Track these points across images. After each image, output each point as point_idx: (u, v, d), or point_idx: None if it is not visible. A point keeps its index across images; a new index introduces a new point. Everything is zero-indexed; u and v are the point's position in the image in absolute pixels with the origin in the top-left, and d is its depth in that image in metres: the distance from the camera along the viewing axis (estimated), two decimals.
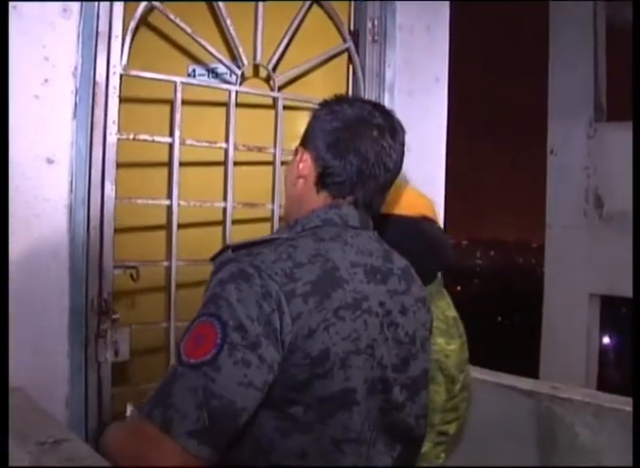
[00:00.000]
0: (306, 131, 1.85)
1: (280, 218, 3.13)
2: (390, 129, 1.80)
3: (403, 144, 1.84)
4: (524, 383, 3.07)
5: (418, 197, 2.47)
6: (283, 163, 3.08)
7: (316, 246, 1.67)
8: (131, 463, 1.47)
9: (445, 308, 2.43)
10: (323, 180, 1.77)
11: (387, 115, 1.83)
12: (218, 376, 1.46)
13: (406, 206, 2.37)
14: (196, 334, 1.53)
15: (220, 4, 3.02)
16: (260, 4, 3.15)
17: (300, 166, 1.80)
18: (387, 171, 1.78)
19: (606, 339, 7.76)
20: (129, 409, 2.04)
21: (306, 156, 1.79)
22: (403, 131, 1.86)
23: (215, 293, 1.56)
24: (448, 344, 2.33)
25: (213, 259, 1.71)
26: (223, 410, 1.46)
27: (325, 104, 1.84)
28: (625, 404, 2.69)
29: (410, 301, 1.81)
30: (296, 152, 1.84)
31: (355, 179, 1.75)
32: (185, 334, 1.55)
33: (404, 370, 1.76)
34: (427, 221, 2.39)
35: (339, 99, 1.83)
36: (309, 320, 1.56)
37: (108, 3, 2.67)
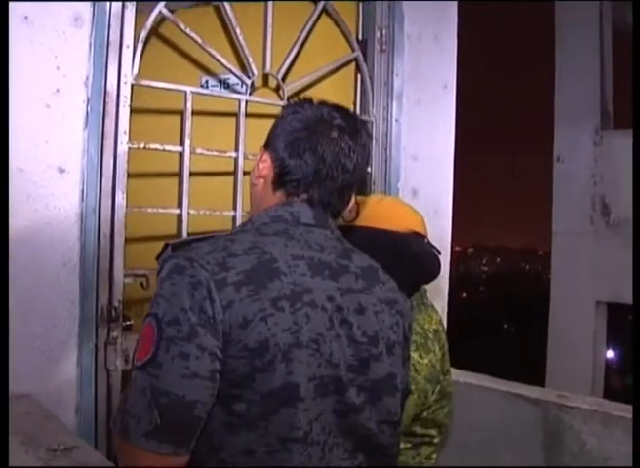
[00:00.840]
0: (270, 132, 1.84)
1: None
2: (351, 130, 1.78)
3: (365, 146, 1.82)
4: (531, 391, 3.07)
5: (407, 211, 2.48)
6: None
7: (254, 239, 1.66)
8: None
9: (424, 322, 2.42)
10: (280, 179, 1.76)
11: (349, 117, 1.81)
12: (160, 373, 1.46)
13: (393, 220, 2.39)
14: (140, 337, 1.53)
15: (230, 13, 3.04)
16: (270, 13, 3.16)
17: (260, 166, 1.79)
18: (346, 171, 1.76)
19: (612, 347, 7.73)
20: None
21: (266, 156, 1.78)
22: (367, 133, 1.85)
23: (155, 293, 1.56)
24: (421, 358, 2.32)
25: (157, 258, 1.71)
26: (174, 406, 1.46)
27: (289, 106, 1.85)
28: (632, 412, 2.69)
29: (370, 301, 1.76)
30: (259, 153, 1.83)
31: (311, 179, 1.73)
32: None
33: (362, 372, 1.70)
34: (415, 236, 2.40)
35: (303, 101, 1.83)
36: (243, 309, 1.53)
37: (120, 13, 2.69)
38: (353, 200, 1.90)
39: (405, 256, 2.34)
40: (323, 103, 1.82)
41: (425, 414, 2.36)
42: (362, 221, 2.32)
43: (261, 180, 1.80)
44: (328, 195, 1.76)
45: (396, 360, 1.79)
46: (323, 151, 1.72)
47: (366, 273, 1.79)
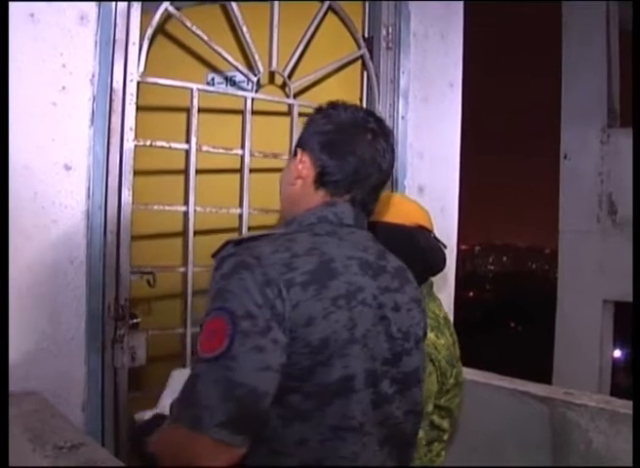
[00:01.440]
0: (303, 134, 1.91)
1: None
2: (383, 133, 1.88)
3: (393, 148, 1.92)
4: (538, 389, 3.07)
5: (414, 207, 2.56)
6: None
7: (312, 239, 1.73)
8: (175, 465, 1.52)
9: (435, 309, 2.51)
10: (321, 179, 1.83)
11: (379, 121, 1.92)
12: (236, 365, 1.50)
13: (403, 215, 2.47)
14: (208, 330, 1.56)
15: (237, 11, 3.03)
16: (276, 11, 3.16)
17: (300, 166, 1.85)
18: (381, 171, 1.86)
19: (619, 345, 7.72)
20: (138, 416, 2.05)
21: (305, 158, 1.85)
22: (393, 136, 1.94)
23: (219, 288, 1.60)
24: (437, 338, 2.41)
25: (214, 255, 1.75)
26: (248, 397, 1.50)
27: (320, 109, 1.92)
28: None
29: (404, 299, 1.86)
30: (295, 154, 1.89)
31: (352, 178, 1.82)
32: (200, 334, 1.59)
33: (395, 365, 1.81)
34: (422, 230, 2.49)
35: (334, 104, 1.91)
36: (308, 308, 1.60)
37: (126, 11, 2.69)
38: None
39: (416, 250, 2.43)
40: (355, 107, 1.92)
41: (442, 401, 2.42)
42: (375, 217, 2.37)
43: (300, 181, 1.87)
44: (366, 194, 1.87)
45: (421, 353, 1.93)
46: (362, 153, 1.82)
47: (399, 273, 1.90)
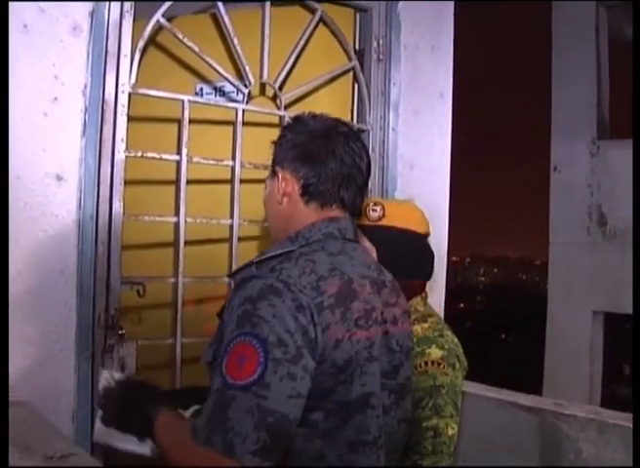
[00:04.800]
0: (276, 152, 1.90)
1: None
2: (355, 135, 1.89)
3: (365, 147, 1.92)
4: (528, 400, 3.07)
5: (422, 214, 2.57)
6: None
7: (330, 260, 1.74)
8: None
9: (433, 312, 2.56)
10: (308, 192, 1.83)
11: (348, 125, 1.95)
12: (269, 394, 1.51)
13: (415, 222, 2.50)
14: (238, 355, 1.57)
15: (227, 22, 3.04)
16: (267, 23, 3.17)
17: (283, 184, 1.85)
18: (362, 172, 1.86)
19: (609, 356, 7.73)
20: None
21: (286, 174, 1.84)
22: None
23: (246, 311, 1.60)
24: (454, 337, 2.44)
25: (232, 275, 1.75)
26: (280, 425, 1.52)
27: (289, 125, 1.94)
28: (629, 420, 2.70)
29: (399, 312, 1.90)
30: (273, 174, 1.89)
31: (338, 183, 1.82)
32: (225, 356, 1.58)
33: (394, 377, 1.83)
34: (426, 237, 2.53)
35: (301, 117, 1.91)
36: (336, 331, 1.63)
37: (118, 22, 2.70)
38: (375, 199, 2.14)
39: (424, 254, 2.50)
40: (322, 116, 1.91)
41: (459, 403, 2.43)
42: (386, 221, 2.40)
43: (286, 198, 1.86)
44: (354, 197, 1.87)
45: (410, 364, 1.95)
46: (342, 155, 1.82)
47: (394, 286, 1.94)
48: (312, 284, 1.64)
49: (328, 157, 1.80)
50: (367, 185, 1.93)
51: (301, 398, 1.56)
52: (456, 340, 2.45)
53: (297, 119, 1.91)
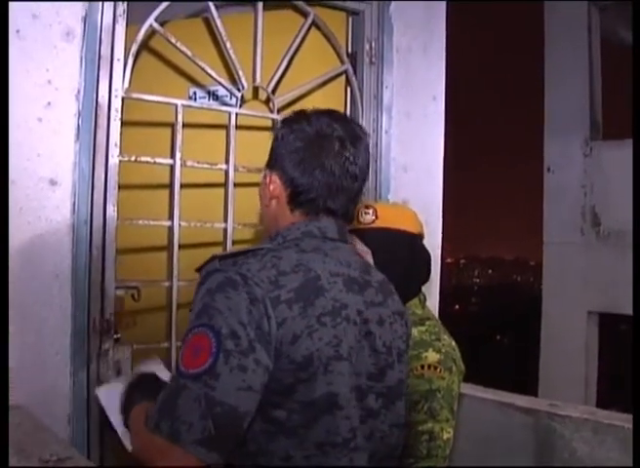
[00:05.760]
0: (272, 153, 1.88)
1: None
2: (352, 137, 1.84)
3: (367, 148, 1.89)
4: (523, 401, 3.09)
5: (415, 215, 2.58)
6: None
7: (298, 256, 1.73)
8: None
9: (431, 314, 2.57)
10: (295, 199, 1.81)
11: (347, 124, 1.87)
12: (217, 384, 1.51)
13: (409, 222, 2.51)
14: (193, 346, 1.58)
15: (220, 26, 3.05)
16: (260, 27, 3.18)
17: (271, 188, 1.84)
18: (355, 179, 1.83)
19: (604, 356, 7.74)
20: None
21: (274, 177, 1.83)
22: (365, 134, 1.91)
23: (205, 304, 1.61)
24: (451, 340, 2.44)
25: (199, 270, 1.76)
26: (227, 417, 1.52)
27: (286, 124, 1.88)
28: (623, 420, 2.71)
29: (387, 313, 1.86)
30: (264, 175, 1.88)
31: (325, 194, 1.79)
32: (182, 347, 1.61)
33: (380, 380, 1.81)
34: (416, 236, 2.52)
35: (298, 117, 1.87)
36: (294, 326, 1.61)
37: (111, 27, 2.71)
38: (368, 204, 2.10)
39: (420, 255, 2.50)
40: (320, 114, 1.86)
41: (455, 406, 2.44)
42: (379, 223, 2.41)
43: (274, 201, 1.85)
44: (344, 206, 1.84)
45: (404, 367, 1.92)
46: (330, 166, 1.78)
47: (382, 287, 1.90)
48: (271, 278, 1.63)
49: (316, 168, 1.78)
50: (360, 191, 1.90)
51: (254, 391, 1.55)
52: (453, 344, 2.45)
53: (293, 119, 1.87)
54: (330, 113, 1.90)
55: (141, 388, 1.89)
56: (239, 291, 1.60)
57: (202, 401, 1.50)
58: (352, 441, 1.70)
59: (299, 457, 1.64)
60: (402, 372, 1.90)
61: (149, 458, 1.57)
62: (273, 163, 1.86)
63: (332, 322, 1.68)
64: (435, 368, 2.32)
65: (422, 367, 2.32)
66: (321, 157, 1.78)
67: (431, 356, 2.34)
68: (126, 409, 1.86)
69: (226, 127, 3.08)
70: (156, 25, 2.89)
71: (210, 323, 1.58)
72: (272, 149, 1.89)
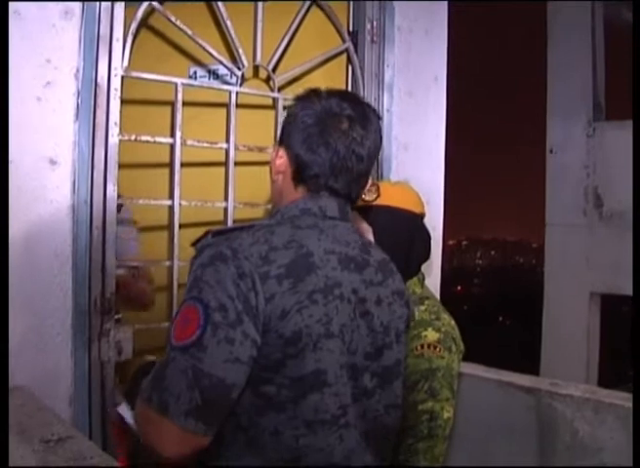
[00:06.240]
0: (284, 128, 1.91)
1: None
2: (361, 118, 1.84)
3: (376, 130, 1.89)
4: (524, 380, 3.08)
5: (417, 195, 2.58)
6: None
7: (292, 232, 1.74)
8: (146, 442, 1.60)
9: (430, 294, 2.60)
10: (299, 175, 1.84)
11: (358, 104, 1.88)
12: (204, 356, 1.54)
13: (411, 201, 2.54)
14: (182, 318, 1.61)
15: (221, 6, 3.04)
16: (260, 5, 3.17)
17: (278, 162, 1.87)
18: (361, 160, 1.83)
19: (606, 338, 7.75)
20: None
21: (282, 153, 1.87)
22: (377, 117, 1.91)
23: (196, 277, 1.64)
24: (450, 319, 2.48)
25: (194, 244, 1.77)
26: (214, 388, 1.54)
27: (297, 100, 1.91)
28: (624, 399, 2.70)
29: (385, 293, 1.87)
30: (274, 149, 1.91)
31: (328, 173, 1.81)
32: (173, 320, 1.64)
33: (377, 359, 1.82)
34: (417, 215, 2.56)
35: (310, 94, 1.89)
36: (283, 301, 1.62)
37: (110, 6, 2.69)
38: (371, 181, 2.02)
39: (420, 234, 2.53)
40: (331, 93, 1.88)
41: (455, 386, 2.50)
42: (381, 201, 2.41)
43: (280, 176, 1.88)
44: (347, 186, 1.85)
45: (402, 347, 1.93)
46: (335, 145, 1.80)
47: (382, 266, 1.91)
48: (261, 253, 1.65)
49: (320, 145, 1.79)
50: (367, 172, 1.91)
51: (241, 363, 1.57)
52: (452, 323, 2.46)
53: (306, 97, 1.89)
54: (342, 93, 1.93)
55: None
56: (228, 264, 1.62)
57: (189, 372, 1.53)
58: (342, 418, 1.72)
59: (287, 433, 1.66)
60: (400, 353, 1.91)
61: (144, 431, 1.61)
62: (282, 138, 1.89)
63: (323, 299, 1.69)
64: (435, 347, 2.33)
65: (422, 346, 2.33)
66: (326, 135, 1.80)
67: (431, 335, 2.35)
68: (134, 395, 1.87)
69: (227, 106, 3.07)
70: (156, 4, 2.87)
71: (199, 296, 1.60)
72: (283, 126, 1.91)
